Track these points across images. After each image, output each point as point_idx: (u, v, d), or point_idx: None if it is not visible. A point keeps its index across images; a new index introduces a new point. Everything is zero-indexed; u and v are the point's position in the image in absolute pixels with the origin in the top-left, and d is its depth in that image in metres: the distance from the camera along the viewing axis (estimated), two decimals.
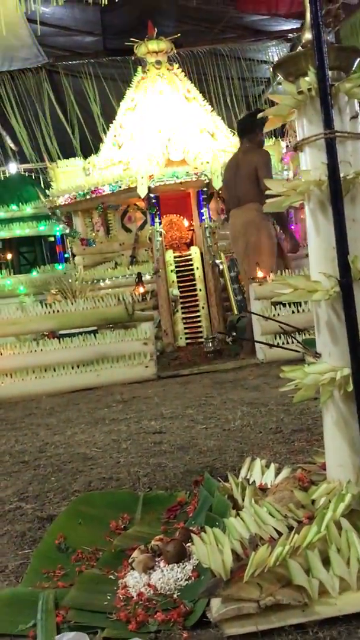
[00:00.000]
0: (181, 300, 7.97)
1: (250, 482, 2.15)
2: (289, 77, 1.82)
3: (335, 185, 1.70)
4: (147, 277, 7.73)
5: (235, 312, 7.80)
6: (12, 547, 2.22)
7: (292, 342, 5.41)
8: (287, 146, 9.83)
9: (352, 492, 1.72)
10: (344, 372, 1.73)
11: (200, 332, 7.75)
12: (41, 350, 5.87)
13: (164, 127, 8.65)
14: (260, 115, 2.04)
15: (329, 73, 1.70)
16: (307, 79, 1.73)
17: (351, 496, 1.70)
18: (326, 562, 1.55)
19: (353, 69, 1.81)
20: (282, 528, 1.73)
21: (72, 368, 5.84)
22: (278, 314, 5.90)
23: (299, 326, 3.28)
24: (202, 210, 8.31)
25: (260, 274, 6.03)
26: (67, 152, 12.55)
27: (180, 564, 1.81)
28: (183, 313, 7.89)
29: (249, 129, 6.28)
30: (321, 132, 1.71)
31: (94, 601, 1.72)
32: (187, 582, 1.74)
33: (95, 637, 1.57)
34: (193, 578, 1.73)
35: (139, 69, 9.81)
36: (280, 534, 1.70)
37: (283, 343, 5.73)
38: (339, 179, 1.70)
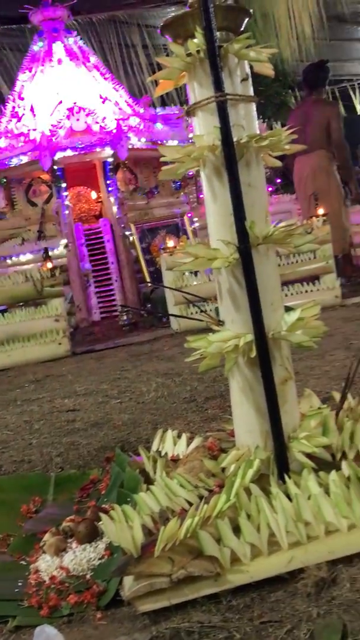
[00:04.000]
0: (93, 274, 7.85)
1: (162, 455, 2.14)
2: (177, 39, 1.76)
3: (228, 150, 1.67)
4: (56, 251, 7.57)
5: (149, 283, 7.78)
6: None
7: (199, 312, 5.43)
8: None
9: (261, 457, 1.73)
10: (247, 339, 1.72)
11: (115, 305, 7.68)
12: None
13: (64, 97, 8.42)
14: (149, 78, 1.97)
15: (217, 34, 1.65)
16: (195, 40, 1.68)
17: (259, 461, 1.71)
18: (237, 529, 1.55)
19: (242, 29, 1.77)
20: (193, 499, 1.72)
21: None
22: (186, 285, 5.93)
23: (212, 295, 3.24)
24: (109, 181, 8.17)
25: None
26: None
27: (93, 543, 1.78)
28: (96, 287, 7.79)
29: (319, 83, 6.84)
30: (212, 95, 1.67)
31: (4, 589, 1.66)
32: (100, 561, 1.70)
33: (6, 626, 1.52)
34: (106, 557, 1.70)
35: (36, 37, 9.47)
36: (192, 505, 1.69)
37: (196, 312, 5.75)
38: (232, 143, 1.67)
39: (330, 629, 1.24)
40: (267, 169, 8.99)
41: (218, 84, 1.66)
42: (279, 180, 9.68)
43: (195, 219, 8.85)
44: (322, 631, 1.25)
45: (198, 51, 1.68)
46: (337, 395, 2.18)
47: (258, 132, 1.76)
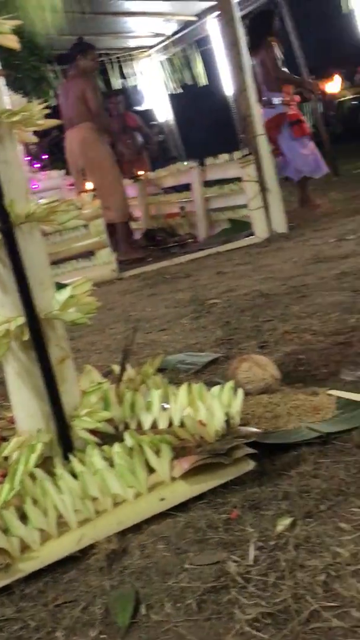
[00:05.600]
0: None
1: None
2: None
3: None
4: None
5: None
6: None
7: None
8: None
9: (44, 440, 1.70)
10: (18, 322, 1.67)
11: None
12: None
13: None
14: None
15: None
16: None
17: (42, 444, 1.68)
18: (25, 516, 1.51)
19: None
20: None
21: None
22: None
23: None
24: None
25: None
26: None
27: None
28: None
29: (71, 57, 6.87)
30: None
31: None
32: None
33: None
34: None
35: None
36: None
37: None
38: None
39: (123, 598, 1.26)
40: (33, 145, 8.79)
41: None
42: (45, 156, 9.52)
43: None
44: (116, 602, 1.26)
45: None
46: (117, 368, 2.21)
47: (9, 107, 1.69)
